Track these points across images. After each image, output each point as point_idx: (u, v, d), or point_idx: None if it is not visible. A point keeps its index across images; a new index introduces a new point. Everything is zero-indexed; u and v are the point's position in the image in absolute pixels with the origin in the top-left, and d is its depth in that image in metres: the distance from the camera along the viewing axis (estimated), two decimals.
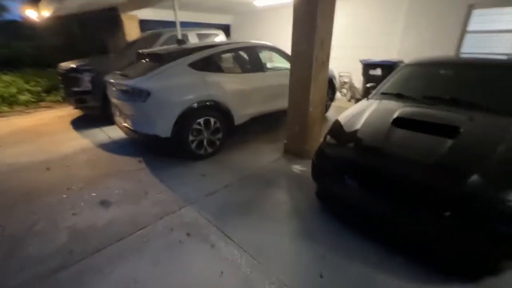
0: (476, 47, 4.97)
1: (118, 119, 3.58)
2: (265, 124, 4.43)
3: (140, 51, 3.68)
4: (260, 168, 3.22)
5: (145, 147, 3.82)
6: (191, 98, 3.08)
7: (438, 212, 1.56)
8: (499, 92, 2.42)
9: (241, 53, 3.84)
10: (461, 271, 1.72)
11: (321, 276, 1.70)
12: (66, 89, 4.89)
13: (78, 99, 4.71)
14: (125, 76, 3.19)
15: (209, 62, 3.37)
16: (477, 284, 1.64)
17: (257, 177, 3.01)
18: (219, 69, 3.51)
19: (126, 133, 3.55)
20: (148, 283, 1.69)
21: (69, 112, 5.82)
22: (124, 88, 3.00)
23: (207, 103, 3.24)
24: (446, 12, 4.98)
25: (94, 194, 2.70)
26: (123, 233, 2.13)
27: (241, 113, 3.66)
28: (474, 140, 1.85)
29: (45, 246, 2.03)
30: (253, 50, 3.91)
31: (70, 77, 4.65)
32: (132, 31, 6.87)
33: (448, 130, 1.92)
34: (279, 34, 7.94)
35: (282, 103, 4.08)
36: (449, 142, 1.81)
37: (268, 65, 4.18)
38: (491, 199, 1.48)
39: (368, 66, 5.57)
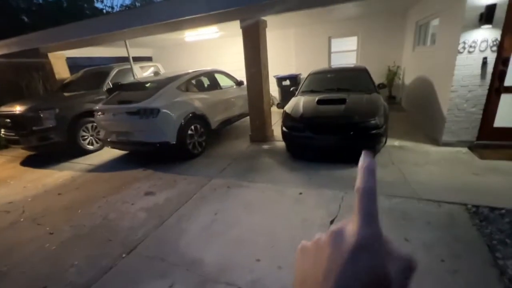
0: (338, 61, 8.03)
1: (112, 139, 4.23)
2: (227, 127, 5.82)
3: (119, 83, 4.51)
4: (242, 152, 4.62)
5: (138, 160, 4.52)
6: (185, 111, 4.21)
7: (348, 134, 3.50)
8: (355, 82, 4.80)
9: (205, 77, 5.17)
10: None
11: (310, 178, 3.33)
12: (19, 130, 4.81)
13: (40, 137, 4.77)
14: (128, 101, 4.01)
15: (188, 85, 4.58)
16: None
17: (244, 157, 4.40)
18: (195, 89, 4.74)
19: (124, 148, 4.23)
20: (225, 207, 2.86)
21: (5, 159, 5.45)
22: (133, 110, 3.84)
23: (194, 114, 4.41)
24: (318, 41, 7.84)
25: (134, 192, 3.44)
26: (183, 200, 3.12)
27: (214, 120, 4.96)
28: (352, 103, 3.93)
29: (134, 221, 2.80)
30: (211, 74, 5.33)
31: (28, 117, 4.71)
32: (60, 70, 6.84)
33: (341, 101, 3.96)
34: (205, 62, 9.47)
35: (234, 111, 5.64)
36: (343, 106, 3.84)
37: (221, 84, 5.65)
38: (363, 122, 3.51)
39: (280, 79, 7.84)
